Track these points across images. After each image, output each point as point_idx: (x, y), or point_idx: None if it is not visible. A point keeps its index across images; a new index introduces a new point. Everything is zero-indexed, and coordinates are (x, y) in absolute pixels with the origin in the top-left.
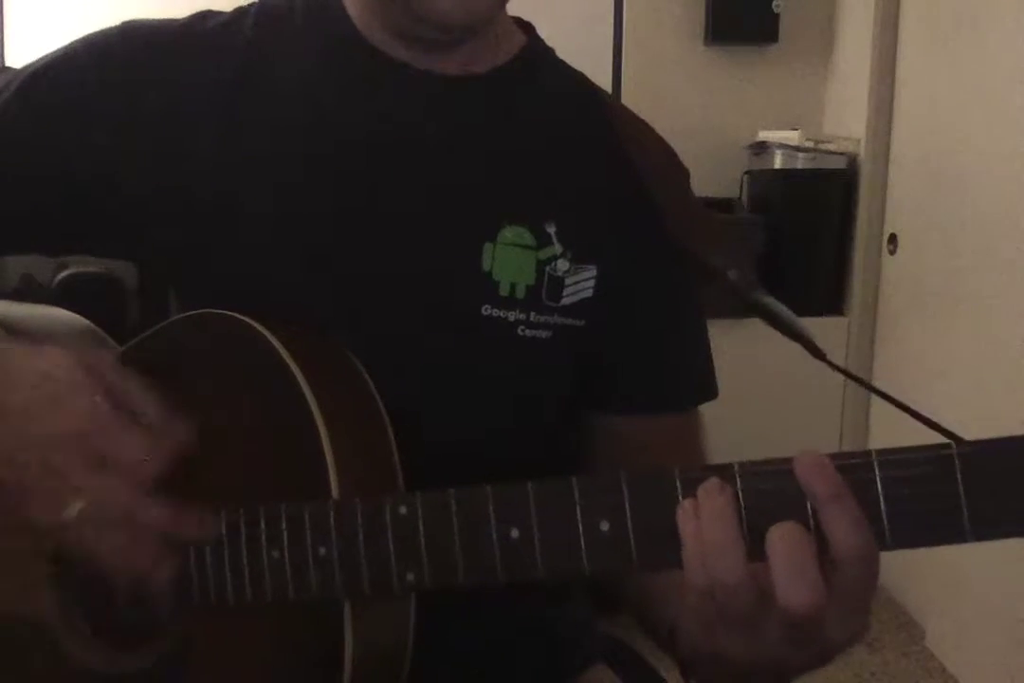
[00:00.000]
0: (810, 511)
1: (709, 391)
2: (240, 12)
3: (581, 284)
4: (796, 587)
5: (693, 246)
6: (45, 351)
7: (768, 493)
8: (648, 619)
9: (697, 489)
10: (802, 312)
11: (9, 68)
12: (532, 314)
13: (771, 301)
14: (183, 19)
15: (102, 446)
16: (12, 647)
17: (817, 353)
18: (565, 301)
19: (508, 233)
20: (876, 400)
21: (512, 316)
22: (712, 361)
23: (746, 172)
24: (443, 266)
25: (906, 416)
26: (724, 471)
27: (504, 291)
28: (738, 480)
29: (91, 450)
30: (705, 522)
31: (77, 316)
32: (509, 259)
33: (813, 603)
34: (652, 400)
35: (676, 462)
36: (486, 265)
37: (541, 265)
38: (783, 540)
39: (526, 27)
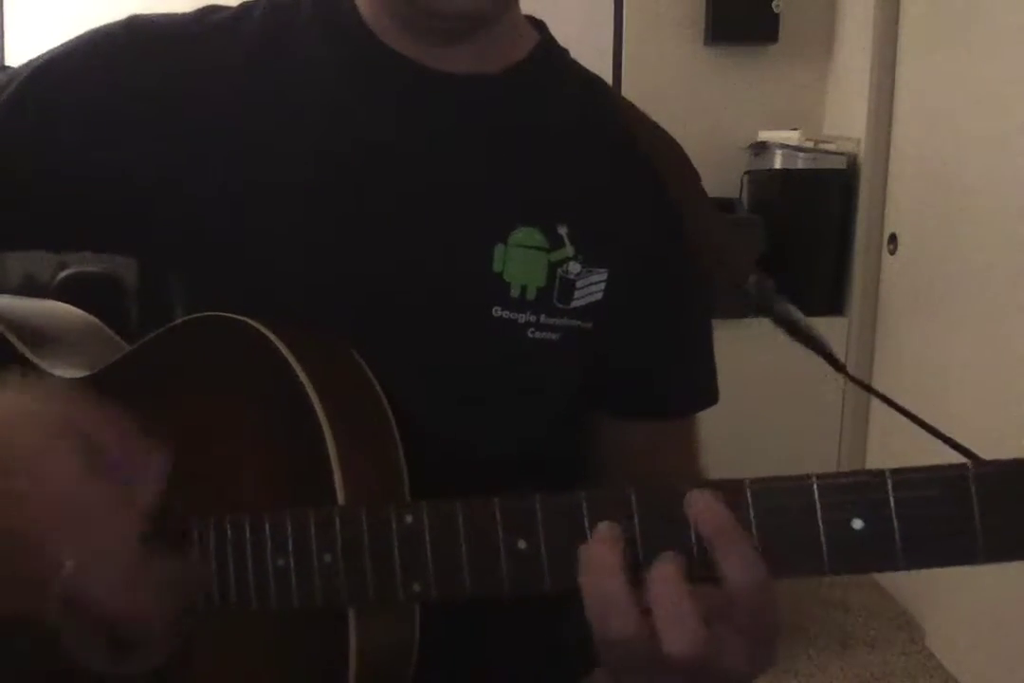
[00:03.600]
0: (695, 544)
1: (710, 397)
2: (246, 6)
3: (592, 287)
4: (676, 636)
5: (707, 252)
6: (15, 399)
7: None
8: None
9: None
10: (802, 312)
11: (9, 68)
12: (542, 316)
13: (789, 309)
14: (189, 13)
15: (83, 501)
16: (12, 648)
17: (836, 365)
18: (575, 303)
19: (519, 234)
20: (875, 402)
21: (523, 318)
22: (715, 365)
23: (746, 172)
24: (453, 267)
25: (905, 418)
26: (736, 485)
27: (515, 293)
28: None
29: (72, 508)
30: (596, 575)
31: (81, 311)
32: (520, 261)
33: (693, 652)
34: (655, 405)
35: (673, 468)
36: (497, 266)
37: (553, 267)
38: (662, 585)
39: (539, 25)
